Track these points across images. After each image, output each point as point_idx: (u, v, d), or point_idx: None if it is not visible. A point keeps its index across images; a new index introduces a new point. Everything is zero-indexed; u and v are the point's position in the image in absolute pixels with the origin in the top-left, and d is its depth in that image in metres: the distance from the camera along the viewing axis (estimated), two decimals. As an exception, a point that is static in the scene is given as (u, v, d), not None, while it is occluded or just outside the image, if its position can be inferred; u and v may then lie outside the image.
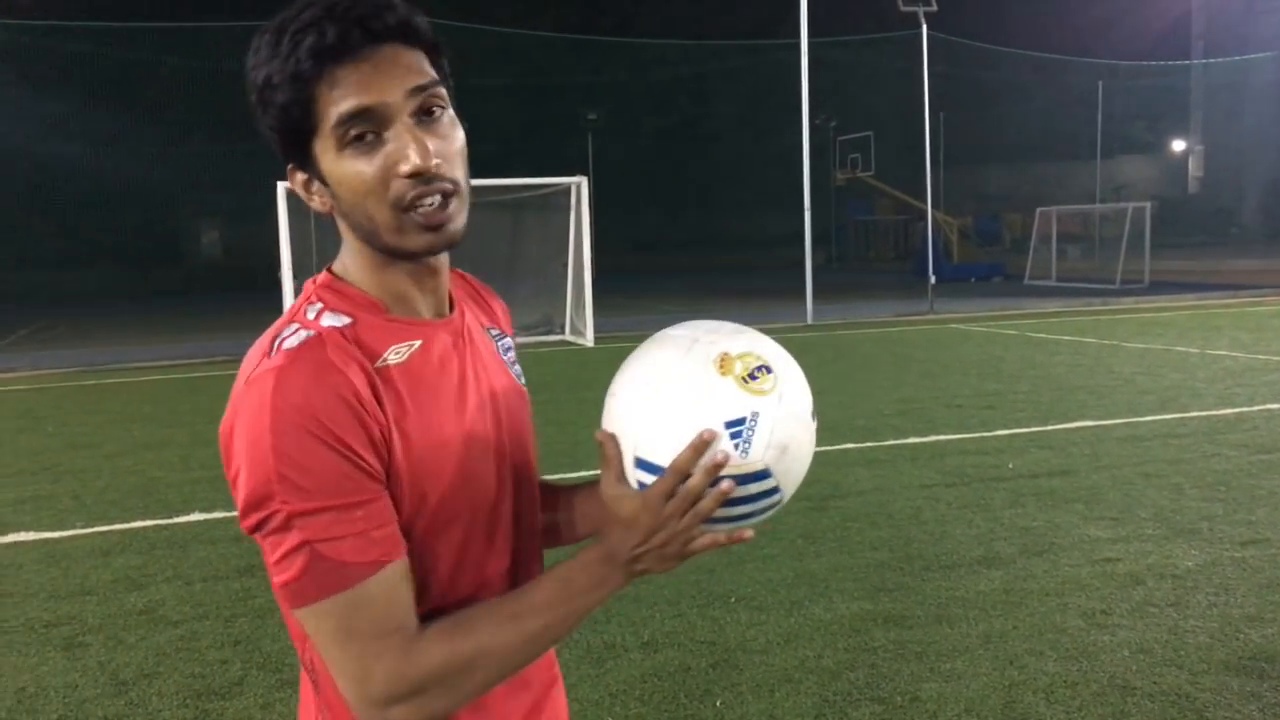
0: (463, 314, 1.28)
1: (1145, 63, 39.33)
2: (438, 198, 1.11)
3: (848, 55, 30.46)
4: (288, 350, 1.09)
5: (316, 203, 1.17)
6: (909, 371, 11.83)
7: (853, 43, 29.01)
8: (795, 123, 19.93)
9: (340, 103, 1.08)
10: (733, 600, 4.59)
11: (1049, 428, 8.18)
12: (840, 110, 37.26)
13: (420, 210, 1.10)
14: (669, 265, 38.52)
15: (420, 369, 1.16)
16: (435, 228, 1.12)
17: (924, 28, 21.07)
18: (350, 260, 1.20)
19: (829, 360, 13.05)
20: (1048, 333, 15.67)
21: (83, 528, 6.10)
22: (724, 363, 1.13)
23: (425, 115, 1.12)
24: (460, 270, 1.39)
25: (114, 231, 32.69)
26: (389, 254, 1.16)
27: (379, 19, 1.09)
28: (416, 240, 1.12)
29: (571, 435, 8.59)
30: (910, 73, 22.77)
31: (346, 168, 1.10)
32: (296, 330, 1.12)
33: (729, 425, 1.09)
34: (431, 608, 1.15)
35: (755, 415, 1.10)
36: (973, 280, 28.87)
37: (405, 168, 1.08)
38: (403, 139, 1.09)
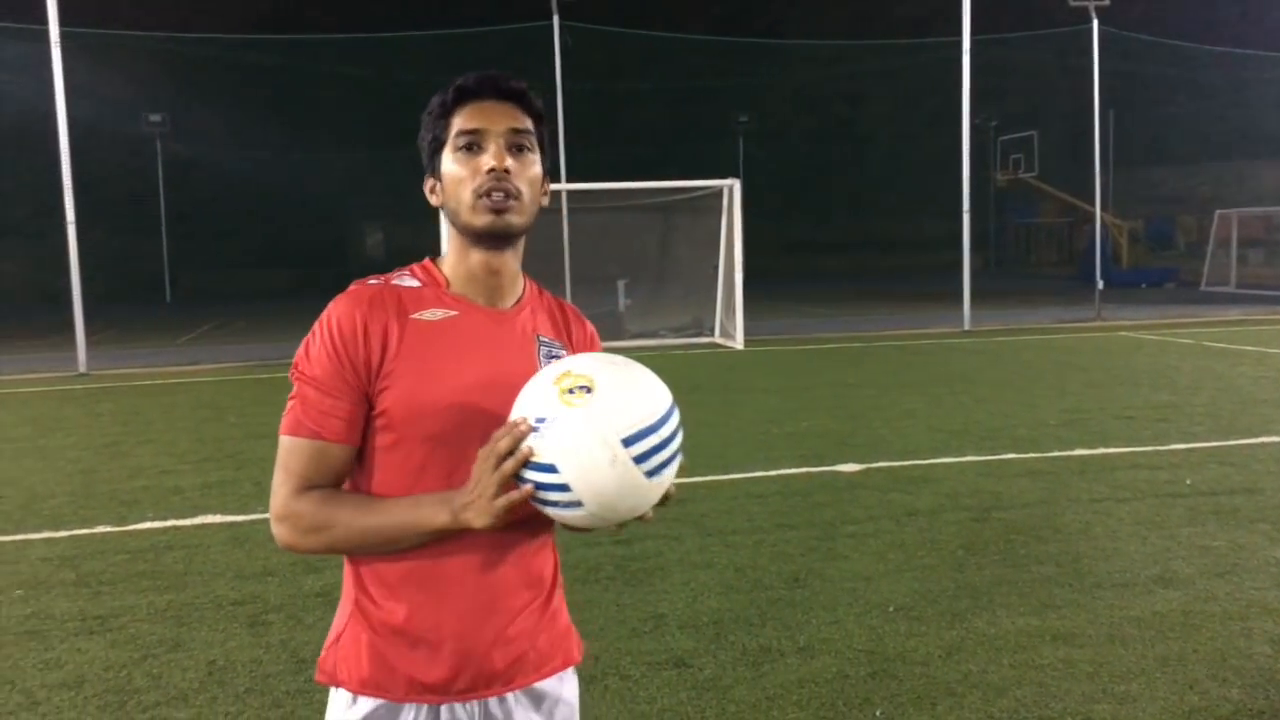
0: (517, 314, 1.70)
1: (1340, 54, 36.60)
2: (504, 194, 1.59)
3: (1010, 52, 29.45)
4: (355, 284, 1.63)
5: (435, 199, 1.68)
6: (1074, 380, 11.36)
7: (1016, 39, 28.03)
8: (954, 122, 19.40)
9: (463, 124, 1.62)
10: (891, 609, 4.52)
11: (1230, 442, 7.73)
12: (1001, 109, 36.06)
13: (491, 198, 1.59)
14: (820, 268, 38.03)
15: (443, 330, 1.62)
16: (497, 211, 1.59)
17: (1095, 22, 20.20)
18: (448, 249, 1.70)
19: (987, 367, 12.65)
20: (1228, 342, 14.80)
21: (263, 512, 6.45)
22: (561, 376, 1.45)
23: (516, 149, 1.62)
24: (563, 300, 1.84)
25: (287, 233, 34.48)
26: (464, 232, 1.63)
27: (506, 83, 1.64)
28: (482, 217, 1.60)
29: (721, 437, 8.60)
30: (1078, 69, 21.85)
31: (453, 164, 1.62)
32: (376, 279, 1.66)
33: (537, 420, 1.43)
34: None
35: (555, 419, 1.41)
36: (1143, 286, 27.52)
37: (486, 165, 1.59)
38: (491, 149, 1.60)
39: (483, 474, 1.45)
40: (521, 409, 1.46)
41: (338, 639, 1.68)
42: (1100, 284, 20.37)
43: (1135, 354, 13.90)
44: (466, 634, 1.61)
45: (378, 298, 1.60)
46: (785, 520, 5.97)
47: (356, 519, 1.56)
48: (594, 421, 1.40)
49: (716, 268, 17.30)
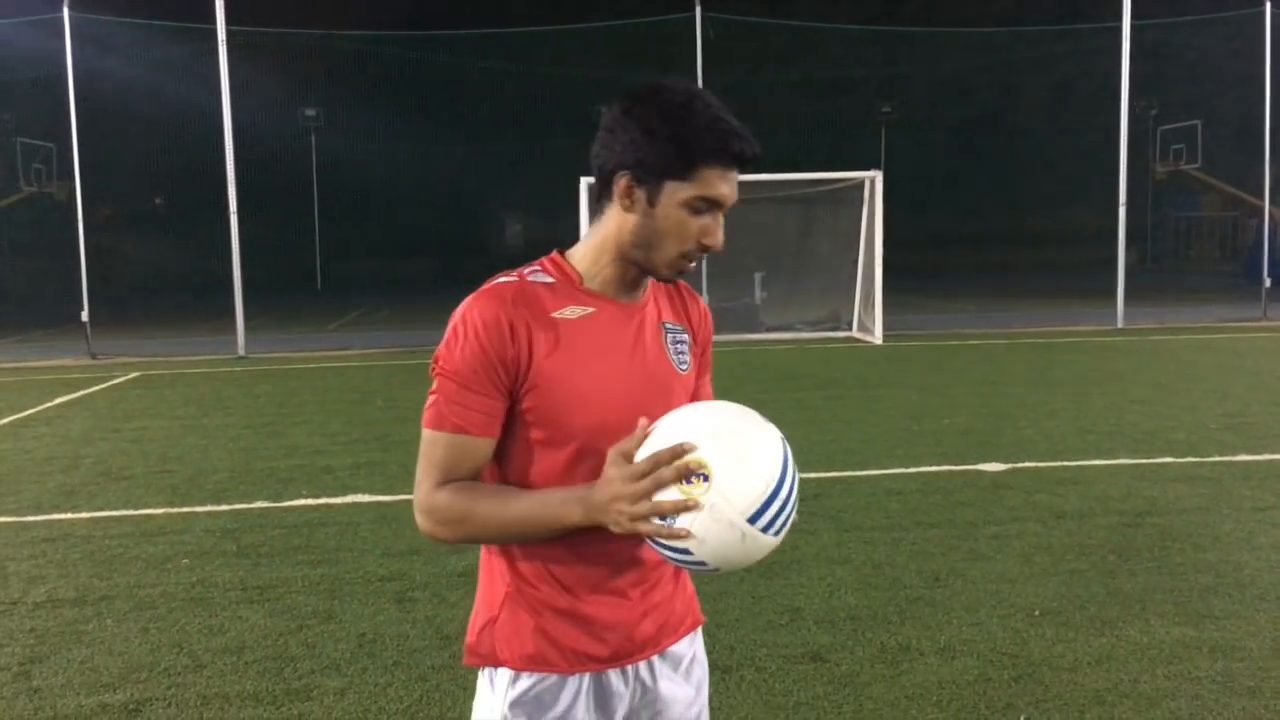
0: (645, 304, 1.74)
1: None
2: (697, 262, 1.67)
3: (1173, 37, 28.00)
4: (492, 284, 1.65)
5: (625, 203, 1.64)
6: (1238, 383, 10.76)
7: (1180, 24, 26.61)
8: (1109, 112, 18.60)
9: (712, 187, 1.60)
10: (1036, 613, 4.38)
11: None
12: (1162, 97, 34.35)
13: (688, 263, 1.65)
14: (965, 263, 36.86)
15: (583, 327, 1.65)
16: (681, 274, 1.69)
17: (1267, 5, 19.04)
18: (584, 246, 1.72)
19: (1141, 367, 12.08)
20: None
21: (409, 494, 6.64)
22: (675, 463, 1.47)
23: (724, 214, 1.65)
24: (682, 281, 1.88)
25: (430, 225, 35.48)
26: (634, 264, 1.67)
27: (754, 155, 1.62)
28: (668, 275, 1.67)
29: (860, 433, 8.48)
30: (1247, 55, 20.63)
31: (678, 215, 1.61)
32: (509, 276, 1.67)
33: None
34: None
35: (680, 515, 1.46)
36: (1316, 285, 25.74)
37: (709, 242, 1.64)
38: (716, 225, 1.64)
39: (637, 487, 1.48)
40: None
41: (493, 622, 1.72)
42: (1268, 282, 19.20)
43: (1306, 356, 13.07)
44: (622, 604, 1.71)
45: (520, 296, 1.63)
46: (925, 518, 5.84)
47: (494, 512, 1.61)
48: (718, 512, 1.45)
49: (856, 261, 17.02)
